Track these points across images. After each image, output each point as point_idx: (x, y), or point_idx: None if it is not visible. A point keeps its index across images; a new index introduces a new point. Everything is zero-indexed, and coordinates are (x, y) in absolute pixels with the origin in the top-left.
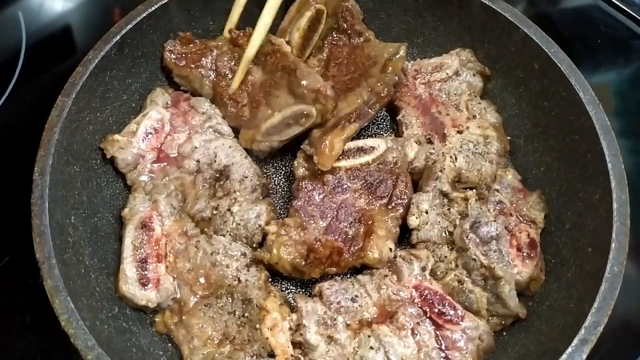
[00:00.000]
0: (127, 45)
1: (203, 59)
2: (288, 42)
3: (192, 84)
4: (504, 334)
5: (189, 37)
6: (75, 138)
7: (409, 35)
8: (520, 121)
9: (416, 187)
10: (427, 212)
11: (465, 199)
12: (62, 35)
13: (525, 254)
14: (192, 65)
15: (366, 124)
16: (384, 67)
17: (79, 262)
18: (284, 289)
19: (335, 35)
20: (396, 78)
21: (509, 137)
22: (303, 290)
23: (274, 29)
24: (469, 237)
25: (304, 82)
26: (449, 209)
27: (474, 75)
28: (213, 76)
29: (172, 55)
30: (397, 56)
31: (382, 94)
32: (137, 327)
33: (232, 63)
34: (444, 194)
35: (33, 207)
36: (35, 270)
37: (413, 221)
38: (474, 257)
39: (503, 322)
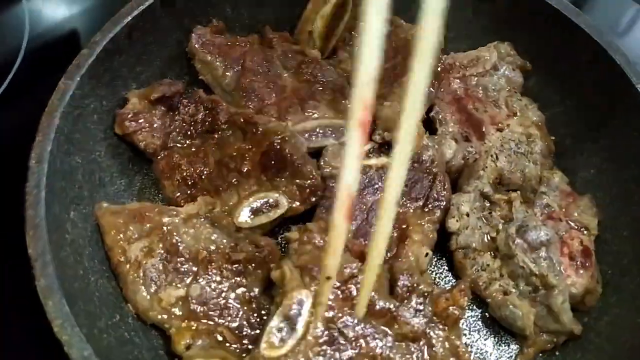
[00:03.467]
0: (138, 29)
1: (231, 50)
2: (311, 32)
3: (213, 72)
4: (557, 353)
5: (221, 27)
6: (77, 126)
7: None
8: (565, 120)
9: (453, 189)
10: (467, 215)
11: (509, 202)
12: (66, 34)
13: (578, 263)
14: (217, 55)
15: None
16: None
17: (77, 262)
18: None
19: None
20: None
21: (553, 138)
22: None
23: (294, 19)
24: (515, 242)
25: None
26: (490, 213)
27: (513, 69)
28: (237, 69)
29: (200, 40)
30: None
31: (437, 70)
32: (140, 339)
33: (263, 61)
34: (485, 196)
35: (27, 197)
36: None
37: (453, 224)
38: (522, 264)
39: (555, 340)
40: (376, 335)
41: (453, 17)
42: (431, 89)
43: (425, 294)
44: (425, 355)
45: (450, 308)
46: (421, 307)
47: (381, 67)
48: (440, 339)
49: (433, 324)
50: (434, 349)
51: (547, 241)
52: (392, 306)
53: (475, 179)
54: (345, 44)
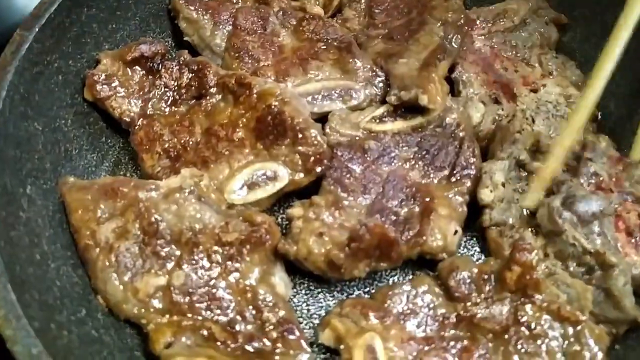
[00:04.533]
0: None
1: (221, 7)
2: None
3: (200, 31)
4: (617, 347)
5: None
6: (37, 86)
7: None
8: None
9: (482, 157)
10: (503, 186)
11: None
12: None
13: (638, 239)
14: (205, 12)
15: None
16: None
17: (33, 245)
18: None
19: None
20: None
21: None
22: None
23: None
24: (563, 216)
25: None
26: (527, 184)
27: (546, 24)
28: (228, 28)
29: None
30: None
31: (459, 23)
32: (111, 337)
33: (257, 19)
34: (521, 164)
35: None
36: None
37: (486, 195)
38: (573, 241)
39: (614, 331)
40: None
41: None
42: (453, 44)
43: (486, 277)
44: (543, 347)
45: (525, 274)
46: (491, 294)
47: (394, 24)
48: (537, 314)
49: (517, 303)
50: (535, 330)
51: (601, 212)
52: (461, 312)
53: (510, 144)
54: (351, 0)
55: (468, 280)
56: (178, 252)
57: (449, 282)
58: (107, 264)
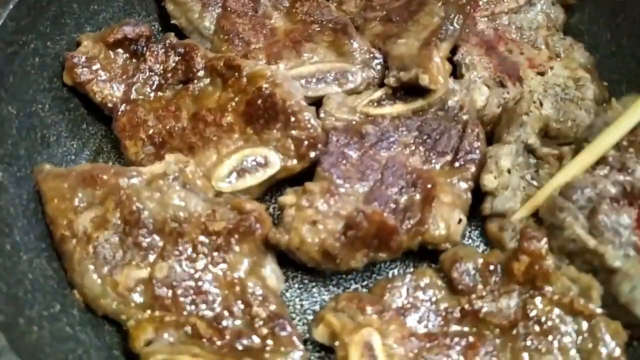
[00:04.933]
0: None
1: None
2: None
3: (188, 13)
4: (634, 343)
5: None
6: (12, 67)
7: None
8: (619, 61)
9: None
10: (509, 172)
11: (560, 158)
12: None
13: None
14: None
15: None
16: None
17: (3, 234)
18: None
19: None
20: None
21: (605, 83)
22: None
23: None
24: (563, 206)
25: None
26: (536, 172)
27: (552, 4)
28: (217, 10)
29: None
30: None
31: (461, 2)
32: (87, 335)
33: (246, 0)
34: (530, 150)
35: None
36: None
37: (489, 181)
38: (574, 236)
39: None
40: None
41: None
42: (455, 24)
43: (492, 268)
44: (555, 344)
45: (534, 265)
46: (498, 286)
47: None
48: (547, 307)
49: (526, 296)
50: (546, 325)
51: (612, 206)
52: (465, 306)
53: (517, 127)
54: None
55: (473, 272)
56: (161, 243)
57: (452, 273)
58: (85, 255)
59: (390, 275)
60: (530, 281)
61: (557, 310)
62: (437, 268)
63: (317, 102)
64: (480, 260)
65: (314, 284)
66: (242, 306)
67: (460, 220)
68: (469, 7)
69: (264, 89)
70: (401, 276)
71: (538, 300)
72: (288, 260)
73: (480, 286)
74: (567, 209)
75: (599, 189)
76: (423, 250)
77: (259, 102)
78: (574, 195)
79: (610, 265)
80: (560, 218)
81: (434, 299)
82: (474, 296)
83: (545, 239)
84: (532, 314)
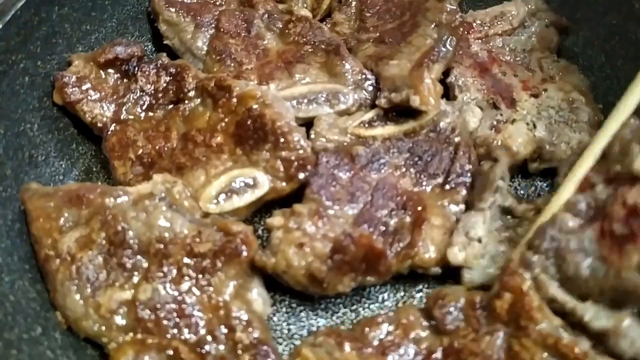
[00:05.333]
0: None
1: (203, 9)
2: None
3: (181, 34)
4: None
5: None
6: (0, 87)
7: None
8: (614, 84)
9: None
10: (479, 241)
11: (538, 210)
12: None
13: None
14: (186, 15)
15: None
16: None
17: None
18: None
19: None
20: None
21: (599, 106)
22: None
23: None
24: (532, 262)
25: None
26: (515, 230)
27: (546, 26)
28: (211, 31)
29: None
30: None
31: (454, 25)
32: (68, 358)
33: (242, 22)
34: (508, 211)
35: None
36: None
37: (454, 256)
38: (550, 296)
39: None
40: None
41: None
42: (447, 46)
43: (476, 307)
44: None
45: (517, 303)
46: (482, 326)
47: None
48: (532, 349)
49: (510, 336)
50: None
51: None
52: (448, 345)
53: (492, 193)
54: (341, 4)
55: (456, 311)
56: (146, 264)
57: (435, 313)
58: (68, 276)
59: (380, 299)
60: (514, 320)
61: (542, 353)
62: (421, 307)
63: (308, 123)
64: (464, 299)
65: (302, 308)
66: (225, 331)
67: (451, 244)
68: (462, 29)
69: (253, 110)
70: (383, 314)
71: (523, 340)
72: (276, 284)
73: (463, 325)
74: (536, 264)
75: (559, 225)
76: (414, 274)
77: (249, 122)
78: (541, 244)
79: (595, 328)
80: (533, 276)
81: (416, 337)
82: (457, 336)
83: (528, 274)
84: (517, 355)
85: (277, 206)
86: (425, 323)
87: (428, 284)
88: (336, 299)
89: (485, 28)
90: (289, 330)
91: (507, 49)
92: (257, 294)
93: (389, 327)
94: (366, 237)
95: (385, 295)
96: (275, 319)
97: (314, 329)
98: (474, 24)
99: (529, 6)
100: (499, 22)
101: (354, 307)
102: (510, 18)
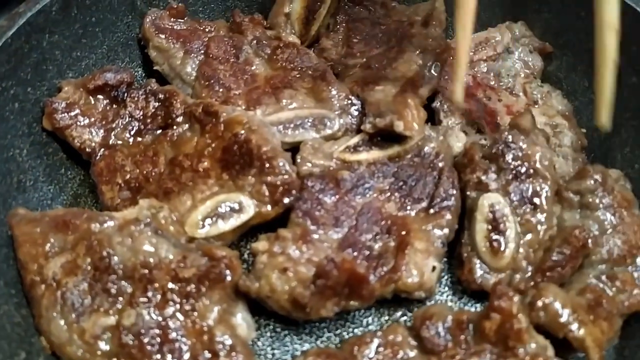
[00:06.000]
0: (77, 5)
1: (192, 36)
2: (288, 14)
3: (170, 60)
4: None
5: (181, 10)
6: None
7: None
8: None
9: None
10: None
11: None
12: None
13: None
14: (176, 41)
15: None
16: (426, 23)
17: None
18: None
19: (349, 9)
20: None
21: (583, 130)
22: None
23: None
24: None
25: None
26: None
27: (530, 52)
28: (200, 57)
29: (156, 23)
30: (436, 10)
31: (438, 51)
32: None
33: (230, 48)
34: None
35: None
36: None
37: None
38: None
39: None
40: None
41: None
42: (432, 71)
43: (464, 326)
44: None
45: (506, 324)
46: (470, 346)
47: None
48: None
49: (498, 357)
50: None
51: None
52: None
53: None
54: (329, 30)
55: (443, 331)
56: (130, 289)
57: (423, 332)
58: (53, 301)
59: (364, 323)
60: (502, 341)
61: None
62: (409, 326)
63: (295, 148)
64: (451, 318)
65: (286, 332)
66: (209, 355)
67: (434, 268)
68: (445, 55)
69: (240, 135)
70: (371, 333)
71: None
72: (261, 308)
73: (451, 345)
74: None
75: None
76: (398, 298)
77: (235, 147)
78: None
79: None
80: None
81: (404, 357)
82: (444, 355)
83: (517, 297)
84: None
85: (263, 231)
86: (413, 342)
87: (412, 308)
88: (321, 323)
89: (471, 53)
90: (273, 355)
91: (492, 74)
92: (242, 319)
93: (378, 347)
94: (349, 262)
95: (370, 319)
96: (259, 343)
97: (298, 353)
98: None
99: (514, 32)
100: (483, 48)
101: (339, 331)
102: (495, 44)
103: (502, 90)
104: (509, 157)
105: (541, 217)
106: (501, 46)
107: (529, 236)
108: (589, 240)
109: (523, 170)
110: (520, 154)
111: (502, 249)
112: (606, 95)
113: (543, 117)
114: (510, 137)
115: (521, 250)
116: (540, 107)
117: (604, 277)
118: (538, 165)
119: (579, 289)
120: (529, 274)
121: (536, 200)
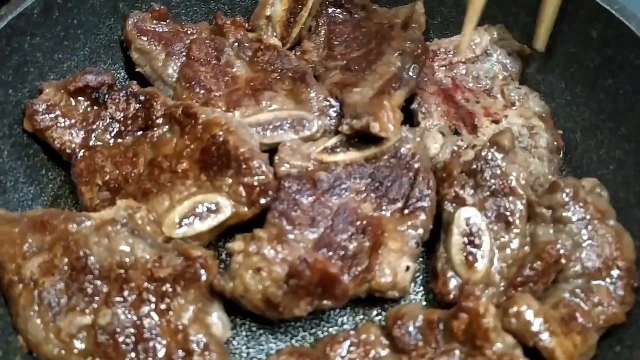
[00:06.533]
0: (59, 8)
1: (175, 38)
2: (269, 17)
3: (153, 62)
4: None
5: (163, 12)
6: None
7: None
8: (574, 110)
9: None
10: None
11: None
12: None
13: None
14: (158, 43)
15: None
16: (406, 25)
17: None
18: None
19: (331, 12)
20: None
21: (560, 132)
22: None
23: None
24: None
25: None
26: None
27: (509, 54)
28: (182, 59)
29: (138, 26)
30: (416, 13)
31: (417, 53)
32: None
33: (212, 50)
34: None
35: None
36: None
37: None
38: None
39: None
40: None
41: (438, 2)
42: (411, 74)
43: (435, 326)
44: None
45: (474, 324)
46: (440, 345)
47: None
48: None
49: (467, 356)
50: None
51: None
52: None
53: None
54: (311, 33)
55: (414, 331)
56: (106, 289)
57: (394, 332)
58: (30, 301)
59: (339, 322)
60: (470, 340)
61: None
62: (382, 325)
63: (274, 149)
64: (423, 318)
65: (262, 332)
66: (183, 354)
67: (408, 268)
68: (424, 57)
69: (218, 137)
70: (344, 333)
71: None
72: (237, 308)
73: (421, 344)
74: None
75: None
76: (374, 298)
77: (214, 149)
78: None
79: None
80: None
81: (377, 356)
82: (415, 354)
83: (484, 298)
84: None
85: (241, 231)
86: (385, 342)
87: (388, 307)
88: (296, 323)
89: (450, 56)
90: (248, 354)
91: (471, 76)
92: (217, 318)
93: (350, 346)
94: (321, 262)
95: (345, 318)
96: (235, 342)
97: (273, 352)
98: (439, 52)
99: (492, 35)
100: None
101: (314, 330)
102: (474, 46)
103: (480, 93)
104: (487, 175)
105: (515, 234)
106: (480, 49)
107: (502, 252)
108: (562, 256)
109: (500, 188)
110: (498, 172)
111: (477, 262)
112: (547, 22)
113: (520, 119)
114: (490, 155)
115: (495, 264)
116: (518, 109)
117: (579, 292)
118: (514, 184)
119: (553, 303)
120: (502, 288)
121: (510, 218)
